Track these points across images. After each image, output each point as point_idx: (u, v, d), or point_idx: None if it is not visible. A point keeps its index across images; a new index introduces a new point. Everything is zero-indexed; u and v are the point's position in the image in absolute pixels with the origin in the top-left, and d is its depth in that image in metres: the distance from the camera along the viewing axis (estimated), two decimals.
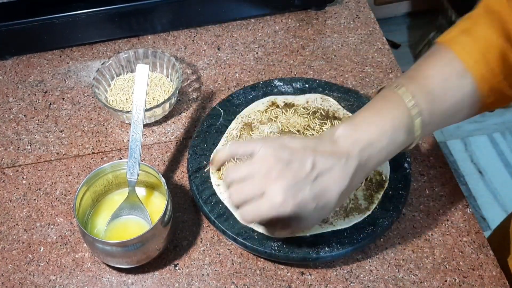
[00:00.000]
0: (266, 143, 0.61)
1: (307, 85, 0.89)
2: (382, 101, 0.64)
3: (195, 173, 0.79)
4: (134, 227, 0.74)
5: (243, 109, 0.86)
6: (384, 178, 0.77)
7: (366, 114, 0.64)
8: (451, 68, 0.63)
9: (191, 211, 0.79)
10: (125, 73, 0.95)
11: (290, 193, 0.58)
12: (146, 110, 0.84)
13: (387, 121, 0.62)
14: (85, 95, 0.95)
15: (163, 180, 0.72)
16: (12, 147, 0.88)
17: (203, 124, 0.85)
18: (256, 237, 0.72)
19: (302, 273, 0.73)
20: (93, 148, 0.88)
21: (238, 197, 0.60)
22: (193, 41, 1.03)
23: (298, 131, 0.82)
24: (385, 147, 0.61)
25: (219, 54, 1.00)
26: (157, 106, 0.86)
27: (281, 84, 0.89)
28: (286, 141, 0.61)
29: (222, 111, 0.86)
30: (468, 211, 0.78)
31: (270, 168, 0.59)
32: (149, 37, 1.03)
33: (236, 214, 0.72)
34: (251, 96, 0.88)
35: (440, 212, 0.78)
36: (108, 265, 0.74)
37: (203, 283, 0.72)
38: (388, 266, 0.73)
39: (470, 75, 0.62)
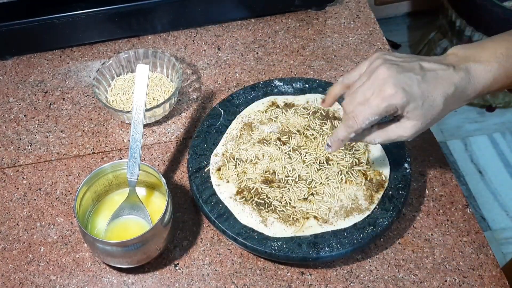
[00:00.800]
0: (373, 57, 0.64)
1: (307, 85, 0.89)
2: (503, 33, 0.66)
3: (195, 173, 0.79)
4: (134, 227, 0.74)
5: (243, 109, 0.86)
6: (384, 178, 0.77)
7: (483, 41, 0.66)
8: None
9: (191, 211, 0.79)
10: (125, 73, 0.95)
11: (399, 85, 0.60)
12: (146, 110, 0.84)
13: (501, 46, 0.63)
14: (86, 95, 0.95)
15: (163, 180, 0.72)
16: (12, 147, 0.88)
17: (203, 124, 0.85)
18: (256, 237, 0.72)
19: (302, 273, 0.73)
20: (93, 148, 0.88)
21: (351, 101, 0.63)
22: (193, 41, 1.03)
23: (298, 131, 0.82)
24: (494, 70, 0.62)
25: (219, 54, 1.00)
26: (157, 106, 0.86)
27: (281, 84, 0.89)
28: (393, 53, 0.65)
29: (222, 111, 0.86)
30: (468, 211, 0.78)
31: (380, 70, 0.61)
32: (149, 37, 1.03)
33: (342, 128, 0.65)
34: (251, 96, 0.88)
35: (440, 212, 0.78)
36: (108, 265, 0.74)
37: (203, 283, 0.72)
38: (388, 266, 0.73)
39: None
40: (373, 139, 0.66)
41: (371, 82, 0.61)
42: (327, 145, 0.67)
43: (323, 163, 0.78)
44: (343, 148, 0.80)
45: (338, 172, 0.77)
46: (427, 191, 0.80)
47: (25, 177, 0.85)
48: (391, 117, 0.65)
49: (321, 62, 0.98)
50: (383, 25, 1.02)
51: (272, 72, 0.97)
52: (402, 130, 0.63)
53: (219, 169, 0.79)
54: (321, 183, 0.76)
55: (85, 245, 0.76)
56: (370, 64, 0.64)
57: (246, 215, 0.74)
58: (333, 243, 0.71)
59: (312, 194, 0.75)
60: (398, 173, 0.78)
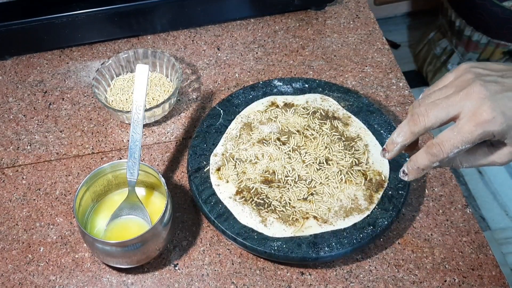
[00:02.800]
0: (460, 70, 0.55)
1: (306, 85, 0.89)
2: None
3: (195, 173, 0.79)
4: (134, 227, 0.74)
5: (243, 109, 0.86)
6: (383, 178, 0.77)
7: None
8: None
9: (191, 211, 0.79)
10: (124, 73, 0.95)
11: (499, 108, 0.50)
12: (146, 110, 0.84)
13: None
14: (85, 95, 0.95)
15: (162, 180, 0.72)
16: (12, 147, 0.88)
17: (203, 124, 0.85)
18: (256, 237, 0.72)
19: (302, 273, 0.73)
20: (92, 148, 0.88)
21: (427, 120, 0.53)
22: (193, 41, 1.03)
23: (298, 131, 0.82)
24: None
25: (219, 54, 1.00)
26: (157, 106, 0.86)
27: (281, 84, 0.89)
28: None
29: (221, 111, 0.86)
30: (468, 211, 0.78)
31: (475, 88, 0.51)
32: (149, 37, 1.03)
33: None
34: (250, 96, 0.88)
35: (439, 212, 0.78)
36: (108, 265, 0.74)
37: (203, 283, 0.72)
38: (388, 266, 0.73)
39: None
40: (458, 163, 0.57)
41: (460, 99, 0.52)
42: (403, 172, 0.59)
43: (323, 163, 0.78)
44: (342, 148, 0.80)
45: (337, 172, 0.77)
46: (426, 191, 0.80)
47: (24, 177, 0.85)
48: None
49: (321, 62, 0.98)
50: (382, 25, 1.02)
51: (271, 72, 0.97)
52: (497, 156, 0.55)
53: (218, 169, 0.79)
54: (320, 183, 0.76)
55: (85, 245, 0.76)
56: (457, 78, 0.54)
57: (245, 215, 0.74)
58: (333, 243, 0.71)
59: (312, 194, 0.75)
60: (398, 173, 0.78)
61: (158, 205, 0.77)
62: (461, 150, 0.53)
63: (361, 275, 0.73)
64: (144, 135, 0.88)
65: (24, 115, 0.93)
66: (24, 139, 0.89)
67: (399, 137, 0.57)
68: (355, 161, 0.79)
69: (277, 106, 0.86)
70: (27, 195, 0.82)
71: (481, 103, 0.50)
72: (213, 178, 0.78)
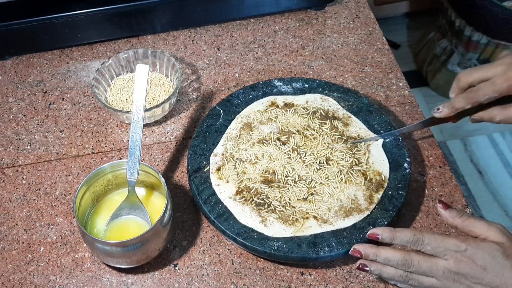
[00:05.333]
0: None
1: (306, 85, 0.89)
2: None
3: (195, 173, 0.79)
4: (133, 227, 0.74)
5: (242, 109, 0.86)
6: (383, 178, 0.77)
7: None
8: None
9: (191, 211, 0.79)
10: (124, 73, 0.95)
11: None
12: (146, 110, 0.84)
13: None
14: (85, 95, 0.95)
15: (162, 180, 0.72)
16: (12, 147, 0.88)
17: (203, 124, 0.85)
18: (256, 237, 0.72)
19: (302, 273, 0.73)
20: (92, 148, 0.88)
21: (471, 73, 0.70)
22: (192, 41, 1.03)
23: (298, 131, 0.82)
24: None
25: (219, 54, 1.00)
26: (157, 106, 0.86)
27: (281, 84, 0.89)
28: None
29: (221, 111, 0.86)
30: (468, 211, 0.78)
31: (508, 56, 0.68)
32: (149, 37, 1.03)
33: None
34: (250, 96, 0.88)
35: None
36: (108, 265, 0.74)
37: (203, 283, 0.72)
38: None
39: None
40: (493, 115, 0.70)
41: (498, 62, 0.68)
42: (437, 109, 0.73)
43: (323, 163, 0.78)
44: (343, 148, 0.80)
45: (337, 172, 0.77)
46: (426, 191, 0.80)
47: (24, 177, 0.85)
48: None
49: (321, 62, 0.98)
50: (382, 25, 1.02)
51: (271, 72, 0.97)
52: None
53: (218, 169, 0.79)
54: (320, 183, 0.76)
55: (85, 245, 0.76)
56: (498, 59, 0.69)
57: (245, 215, 0.74)
58: (333, 243, 0.71)
59: (312, 194, 0.75)
60: (397, 173, 0.78)
61: (158, 205, 0.77)
62: (491, 98, 0.68)
63: (361, 275, 0.73)
64: (144, 135, 0.88)
65: (24, 115, 0.93)
66: (24, 139, 0.89)
67: (456, 106, 0.71)
68: (355, 161, 0.79)
69: (277, 106, 0.86)
70: (27, 195, 0.82)
71: (510, 66, 0.67)
72: (213, 178, 0.78)
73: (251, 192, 0.76)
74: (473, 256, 0.61)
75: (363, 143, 0.81)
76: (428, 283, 0.64)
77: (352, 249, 0.67)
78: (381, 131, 0.82)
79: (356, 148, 0.80)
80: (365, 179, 0.77)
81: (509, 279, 0.60)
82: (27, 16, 0.94)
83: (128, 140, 0.75)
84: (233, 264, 0.74)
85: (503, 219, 1.76)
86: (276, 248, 0.70)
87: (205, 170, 0.79)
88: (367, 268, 0.66)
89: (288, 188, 0.76)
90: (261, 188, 0.76)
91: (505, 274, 0.60)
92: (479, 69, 0.70)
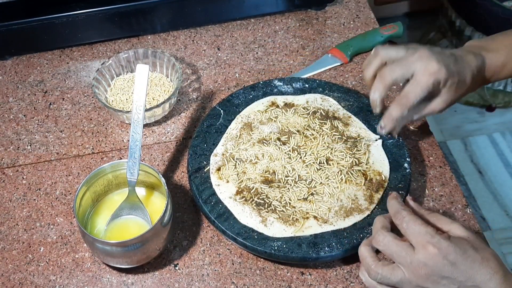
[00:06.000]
0: (409, 45, 0.72)
1: (307, 85, 0.89)
2: None
3: (195, 173, 0.79)
4: (134, 227, 0.74)
5: (243, 109, 0.86)
6: (384, 178, 0.77)
7: (496, 34, 0.75)
8: None
9: (191, 211, 0.79)
10: (125, 73, 0.95)
11: (443, 62, 0.68)
12: (146, 110, 0.84)
13: (508, 38, 0.74)
14: (85, 95, 0.95)
15: (163, 180, 0.72)
16: (12, 147, 0.88)
17: (203, 124, 0.85)
18: (256, 237, 0.72)
19: (302, 273, 0.73)
20: (93, 148, 0.88)
21: (393, 70, 0.70)
22: (193, 41, 1.03)
23: (298, 131, 0.82)
24: (502, 57, 0.72)
25: (219, 54, 1.00)
26: (157, 106, 0.86)
27: (281, 84, 0.89)
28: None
29: (222, 111, 0.86)
30: (468, 211, 0.78)
31: (422, 49, 0.70)
32: (149, 37, 1.03)
33: None
34: (251, 96, 0.88)
35: (440, 212, 0.78)
36: (108, 265, 0.74)
37: (203, 283, 0.72)
38: None
39: None
40: (410, 116, 0.73)
41: (416, 57, 0.69)
42: (380, 127, 0.75)
43: (323, 163, 0.78)
44: (344, 148, 0.80)
45: (338, 172, 0.77)
46: (427, 191, 0.80)
47: (24, 177, 0.85)
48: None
49: None
50: (383, 25, 1.02)
51: (272, 72, 0.97)
52: (436, 105, 0.72)
53: (218, 169, 0.79)
54: (321, 183, 0.76)
55: (85, 245, 0.76)
56: (408, 48, 0.71)
57: (245, 215, 0.74)
58: (333, 243, 0.71)
59: (312, 194, 0.75)
60: (398, 173, 0.78)
61: (158, 205, 0.77)
62: (421, 97, 0.69)
63: None
64: (144, 135, 0.88)
65: (24, 115, 0.93)
66: (24, 139, 0.89)
67: (376, 93, 0.72)
68: (355, 161, 0.79)
69: (277, 106, 0.86)
70: (27, 195, 0.82)
71: (430, 58, 0.68)
72: (213, 178, 0.78)
73: (251, 192, 0.76)
74: (443, 248, 0.58)
75: (363, 143, 0.81)
76: (398, 277, 0.61)
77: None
78: None
79: (356, 148, 0.80)
80: (365, 179, 0.77)
81: (478, 272, 0.58)
82: (27, 16, 0.94)
83: (128, 140, 0.75)
84: (233, 264, 0.74)
85: (503, 219, 1.76)
86: (276, 248, 0.70)
87: (205, 170, 0.79)
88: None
89: (288, 188, 0.76)
90: (261, 188, 0.76)
91: (474, 267, 0.58)
92: (399, 64, 0.70)
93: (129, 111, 0.86)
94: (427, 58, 0.69)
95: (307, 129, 0.82)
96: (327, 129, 0.82)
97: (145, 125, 0.89)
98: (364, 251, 0.64)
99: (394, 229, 0.63)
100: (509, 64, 0.73)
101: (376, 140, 0.81)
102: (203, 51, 1.01)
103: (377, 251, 0.64)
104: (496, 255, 0.60)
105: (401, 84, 0.75)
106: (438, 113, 0.73)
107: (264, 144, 0.81)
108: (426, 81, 0.68)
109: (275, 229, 0.72)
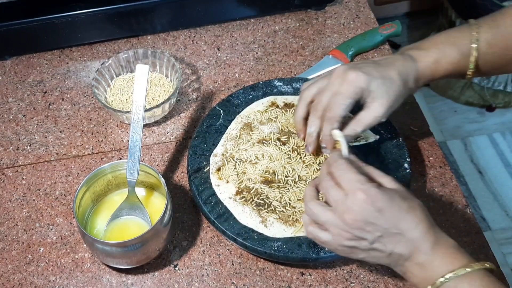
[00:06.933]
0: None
1: None
2: (445, 30, 0.75)
3: (194, 173, 0.79)
4: (133, 227, 0.74)
5: (243, 109, 0.86)
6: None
7: (428, 37, 0.76)
8: None
9: (191, 212, 0.79)
10: (124, 73, 0.95)
11: (359, 70, 0.68)
12: (146, 110, 0.83)
13: (440, 36, 0.73)
14: (85, 95, 0.95)
15: (162, 180, 0.72)
16: (11, 147, 0.88)
17: (203, 124, 0.85)
18: (256, 237, 0.71)
19: (302, 274, 0.73)
20: (92, 149, 0.87)
21: (320, 100, 0.70)
22: (192, 41, 1.03)
23: None
24: (434, 55, 0.72)
25: (219, 54, 1.00)
26: (157, 106, 0.85)
27: (281, 84, 0.89)
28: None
29: (221, 111, 0.86)
30: (468, 212, 0.78)
31: (339, 67, 0.70)
32: (149, 37, 1.03)
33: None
34: (250, 96, 0.88)
35: (440, 212, 0.78)
36: (107, 266, 0.74)
37: (203, 284, 0.72)
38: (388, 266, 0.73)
39: None
40: (353, 129, 0.71)
41: (333, 78, 0.70)
42: (322, 147, 0.73)
43: (323, 163, 0.78)
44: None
45: None
46: (427, 191, 0.80)
47: (24, 177, 0.84)
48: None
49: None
50: (382, 25, 1.02)
51: (271, 72, 0.97)
52: (374, 111, 0.69)
53: (218, 170, 0.79)
54: None
55: (85, 245, 0.76)
56: (327, 73, 0.72)
57: (245, 216, 0.74)
58: None
59: None
60: (398, 173, 0.78)
61: (158, 205, 0.76)
62: (347, 106, 0.69)
63: (361, 275, 0.73)
64: (144, 135, 0.88)
65: (24, 115, 0.93)
66: (24, 139, 0.89)
67: (312, 127, 0.72)
68: None
69: (277, 106, 0.86)
70: (27, 195, 0.82)
71: (345, 71, 0.69)
72: (213, 179, 0.78)
73: (251, 192, 0.76)
74: (372, 195, 0.59)
75: (362, 142, 0.80)
76: (326, 217, 0.61)
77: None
78: (381, 131, 0.82)
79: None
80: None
81: (403, 219, 0.59)
82: (26, 16, 0.94)
83: (128, 141, 0.75)
84: (233, 264, 0.74)
85: (504, 219, 1.76)
86: (276, 248, 0.70)
87: (205, 170, 0.79)
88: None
89: (288, 189, 0.76)
90: (261, 188, 0.76)
91: (400, 215, 0.59)
92: (324, 91, 0.70)
93: (128, 111, 0.86)
94: (343, 72, 0.69)
95: None
96: None
97: (145, 125, 0.89)
98: (307, 190, 0.65)
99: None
100: (443, 61, 0.71)
101: (375, 140, 0.81)
102: (203, 51, 1.01)
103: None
104: (422, 206, 0.61)
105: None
106: (382, 118, 0.70)
107: (264, 144, 0.81)
108: (346, 90, 0.68)
109: (275, 229, 0.72)
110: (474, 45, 0.71)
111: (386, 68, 0.70)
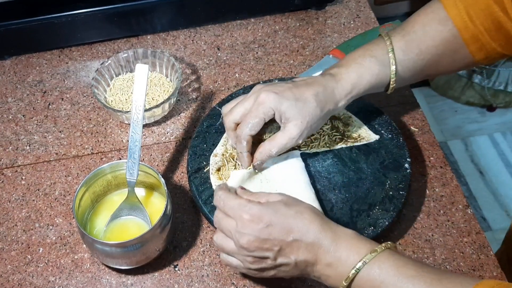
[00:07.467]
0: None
1: None
2: (367, 44, 0.76)
3: (194, 173, 0.79)
4: (133, 227, 0.74)
5: None
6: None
7: (346, 56, 0.76)
8: (435, 15, 0.73)
9: (191, 212, 0.79)
10: (124, 73, 0.94)
11: (271, 91, 0.69)
12: (146, 110, 0.83)
13: (357, 52, 0.74)
14: (84, 95, 0.95)
15: (162, 180, 0.72)
16: (11, 147, 0.88)
17: (203, 124, 0.85)
18: None
19: None
20: (92, 149, 0.87)
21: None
22: (192, 41, 1.02)
23: None
24: (355, 70, 0.72)
25: (219, 54, 1.00)
26: (157, 106, 0.85)
27: None
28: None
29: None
30: (469, 212, 0.78)
31: (256, 88, 0.72)
32: (149, 37, 1.03)
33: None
34: None
35: (440, 212, 0.78)
36: (107, 266, 0.74)
37: (203, 284, 0.72)
38: None
39: (451, 22, 0.71)
40: (269, 150, 0.71)
41: (248, 97, 0.71)
42: (253, 166, 0.73)
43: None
44: (345, 147, 0.79)
45: None
46: (427, 192, 0.80)
47: (23, 177, 0.84)
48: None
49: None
50: (383, 24, 1.01)
51: (272, 72, 0.97)
52: (288, 132, 0.69)
53: (218, 170, 0.78)
54: None
55: (84, 246, 0.76)
56: (247, 95, 0.73)
57: None
58: None
59: None
60: (398, 173, 0.77)
61: (157, 205, 0.76)
62: (254, 124, 0.69)
63: None
64: (143, 135, 0.88)
65: (23, 115, 0.92)
66: (23, 139, 0.89)
67: (240, 151, 0.72)
68: None
69: None
70: (26, 195, 0.82)
71: (259, 92, 0.70)
72: (213, 179, 0.78)
73: None
74: (256, 214, 0.61)
75: (363, 142, 0.80)
76: (229, 248, 0.64)
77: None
78: (382, 131, 0.82)
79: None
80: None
81: (294, 225, 0.60)
82: (26, 16, 0.94)
83: (128, 141, 0.75)
84: None
85: (504, 219, 1.76)
86: None
87: (205, 170, 0.79)
88: None
89: None
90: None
91: (289, 222, 0.61)
92: (238, 104, 0.72)
93: (128, 111, 0.85)
94: (257, 91, 0.70)
95: None
96: (327, 129, 0.82)
97: (145, 125, 0.89)
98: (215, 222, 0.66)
99: None
100: (365, 74, 0.72)
101: (376, 140, 0.81)
102: (203, 51, 1.01)
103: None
104: (310, 207, 0.63)
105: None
106: (298, 140, 0.70)
107: None
108: (255, 110, 0.69)
109: None
110: (390, 54, 0.72)
111: (302, 89, 0.70)
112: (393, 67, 0.72)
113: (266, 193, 0.65)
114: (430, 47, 0.73)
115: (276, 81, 0.89)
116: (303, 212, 0.62)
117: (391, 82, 0.74)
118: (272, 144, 0.71)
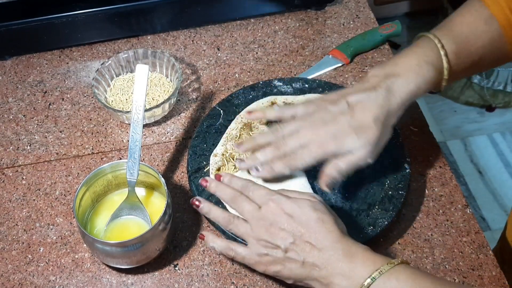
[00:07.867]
0: (305, 104, 0.73)
1: (306, 85, 0.89)
2: (412, 46, 0.73)
3: (194, 173, 0.79)
4: (133, 227, 0.74)
5: (242, 109, 0.86)
6: None
7: (396, 56, 0.72)
8: (479, 14, 0.72)
9: (191, 212, 0.79)
10: (124, 73, 0.95)
11: (331, 134, 0.68)
12: (146, 110, 0.83)
13: (413, 58, 0.70)
14: (85, 95, 0.95)
15: (162, 180, 0.72)
16: (11, 147, 0.88)
17: (203, 124, 0.85)
18: None
19: None
20: (92, 149, 0.87)
21: (283, 149, 0.70)
22: (192, 41, 1.03)
23: None
24: (413, 80, 0.69)
25: (219, 54, 1.00)
26: (157, 106, 0.85)
27: (281, 84, 0.89)
28: (324, 97, 0.72)
29: (221, 111, 0.86)
30: (468, 211, 0.78)
31: (316, 117, 0.70)
32: (149, 37, 1.03)
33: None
34: (250, 96, 0.88)
35: (440, 212, 0.78)
36: (107, 266, 0.74)
37: (203, 284, 0.72)
38: None
39: (496, 21, 0.71)
40: (339, 167, 0.69)
41: (307, 129, 0.70)
42: (256, 169, 0.72)
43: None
44: None
45: None
46: (426, 191, 0.80)
47: (24, 177, 0.84)
48: None
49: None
50: (382, 25, 1.02)
51: (271, 72, 0.97)
52: (357, 156, 0.68)
53: (218, 169, 0.79)
54: None
55: (85, 245, 0.76)
56: (306, 109, 0.72)
57: None
58: None
59: None
60: (397, 173, 0.78)
61: (158, 205, 0.76)
62: (308, 164, 0.70)
63: None
64: (144, 135, 0.88)
65: (24, 115, 0.93)
66: (24, 139, 0.89)
67: (276, 171, 0.72)
68: None
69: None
70: (27, 195, 0.82)
71: (319, 132, 0.70)
72: None
73: None
74: (282, 203, 0.64)
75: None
76: (243, 229, 0.66)
77: (201, 179, 0.71)
78: None
79: None
80: None
81: (312, 228, 0.62)
82: (27, 16, 0.94)
83: (128, 140, 0.75)
84: (233, 264, 0.74)
85: (504, 219, 1.76)
86: None
87: (205, 170, 0.79)
88: (200, 205, 0.70)
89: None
90: None
91: (309, 224, 0.62)
92: (287, 112, 0.74)
93: (128, 111, 0.86)
94: (317, 130, 0.70)
95: None
96: None
97: (145, 125, 0.89)
98: (222, 214, 0.69)
99: None
100: (423, 82, 0.70)
101: None
102: (202, 51, 1.01)
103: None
104: (335, 219, 0.64)
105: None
106: (369, 160, 0.69)
107: None
108: (316, 151, 0.69)
109: None
110: (444, 59, 0.71)
111: (362, 116, 0.68)
112: (446, 72, 0.71)
113: (298, 191, 0.67)
114: (478, 48, 0.72)
115: (276, 81, 0.89)
116: (326, 222, 0.63)
117: (442, 87, 0.73)
118: (342, 161, 0.69)
